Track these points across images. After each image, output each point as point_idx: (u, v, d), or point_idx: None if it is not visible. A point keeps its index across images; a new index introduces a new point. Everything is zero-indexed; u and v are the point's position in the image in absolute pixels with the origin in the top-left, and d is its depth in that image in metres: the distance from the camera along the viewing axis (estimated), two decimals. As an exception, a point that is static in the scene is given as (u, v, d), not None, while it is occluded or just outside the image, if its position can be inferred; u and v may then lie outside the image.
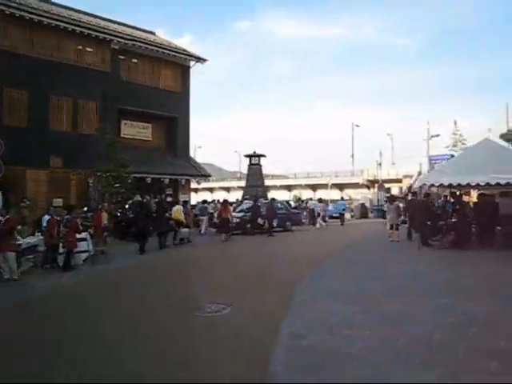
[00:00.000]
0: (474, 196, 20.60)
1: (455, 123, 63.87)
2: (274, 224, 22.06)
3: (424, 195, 15.59)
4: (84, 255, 12.79)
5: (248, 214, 22.44)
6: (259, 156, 33.20)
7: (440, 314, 6.49)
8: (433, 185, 14.20)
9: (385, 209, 38.24)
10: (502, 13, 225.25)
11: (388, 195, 45.82)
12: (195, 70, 29.11)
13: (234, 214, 22.75)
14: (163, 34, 30.39)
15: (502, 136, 49.82)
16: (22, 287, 9.72)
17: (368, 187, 61.95)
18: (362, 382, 4.30)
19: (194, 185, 32.40)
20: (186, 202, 21.77)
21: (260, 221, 21.96)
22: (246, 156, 34.23)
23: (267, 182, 68.08)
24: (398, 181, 53.66)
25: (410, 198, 24.11)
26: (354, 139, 68.59)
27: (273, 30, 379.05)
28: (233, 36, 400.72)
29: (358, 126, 68.61)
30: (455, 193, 16.23)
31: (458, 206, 15.59)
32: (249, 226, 21.77)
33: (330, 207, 36.17)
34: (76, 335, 6.03)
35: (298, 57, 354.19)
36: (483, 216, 15.25)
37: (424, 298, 7.45)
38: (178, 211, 18.15)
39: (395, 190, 50.91)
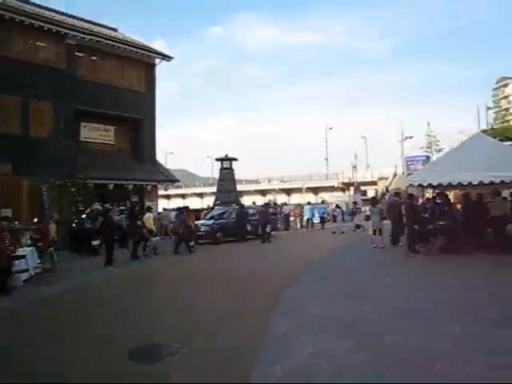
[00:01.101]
0: (456, 196, 19.46)
1: (428, 125, 64.04)
2: (268, 229, 20.88)
3: (408, 196, 14.20)
4: (25, 275, 10.91)
5: (219, 221, 20.82)
6: (231, 160, 31.50)
7: (468, 347, 4.98)
8: (421, 184, 12.84)
9: (368, 212, 37.53)
10: (473, 19, 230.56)
11: (364, 198, 45.00)
12: (162, 70, 27.48)
13: (203, 221, 21.22)
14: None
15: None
16: None
17: (343, 190, 61.04)
18: None
19: (165, 191, 30.67)
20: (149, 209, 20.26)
21: (248, 227, 21.05)
22: (218, 160, 32.51)
23: (240, 187, 66.62)
24: (374, 183, 52.91)
25: (387, 199, 23.03)
26: (329, 143, 67.95)
27: (245, 35, 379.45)
28: (205, 41, 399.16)
29: (331, 128, 67.96)
30: (443, 193, 14.92)
31: (446, 208, 14.31)
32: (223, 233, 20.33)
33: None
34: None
35: (270, 62, 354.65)
36: (472, 218, 14.06)
37: (431, 324, 5.95)
38: (148, 219, 16.89)
39: (371, 192, 50.15)
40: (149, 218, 17.05)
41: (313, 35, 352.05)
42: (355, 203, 31.13)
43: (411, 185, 13.14)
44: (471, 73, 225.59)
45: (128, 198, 24.47)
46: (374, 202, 17.01)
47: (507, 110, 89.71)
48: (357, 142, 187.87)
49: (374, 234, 16.23)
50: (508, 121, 72.64)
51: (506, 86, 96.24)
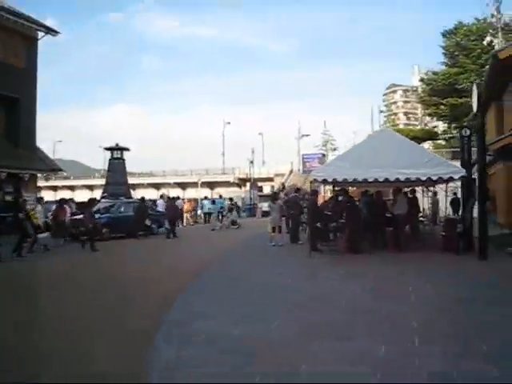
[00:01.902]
0: (355, 193, 19.28)
1: (325, 124, 66.05)
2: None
3: (311, 193, 13.42)
4: None
5: (105, 215, 18.65)
6: (122, 149, 28.96)
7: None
8: (325, 180, 12.08)
9: (264, 209, 36.99)
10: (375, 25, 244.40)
11: (261, 194, 44.63)
12: (50, 52, 24.23)
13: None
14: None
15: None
16: None
17: (239, 186, 60.57)
18: None
19: (45, 182, 27.31)
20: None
21: (148, 222, 19.91)
22: (107, 149, 29.78)
23: (133, 180, 63.61)
24: (270, 179, 52.92)
25: (283, 196, 22.35)
26: (226, 138, 66.97)
27: (146, 25, 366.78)
28: (102, 27, 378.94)
29: (229, 123, 67.04)
30: (345, 190, 14.39)
31: (348, 205, 13.75)
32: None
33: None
34: None
35: (171, 54, 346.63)
36: (373, 216, 13.71)
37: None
38: (36, 213, 15.53)
39: (267, 188, 50.04)
40: (38, 211, 15.72)
41: (214, 30, 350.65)
42: (231, 199, 30.36)
43: (315, 180, 12.31)
44: (367, 78, 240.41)
45: (1, 188, 21.17)
46: (274, 197, 16.04)
47: (396, 114, 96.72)
48: (254, 138, 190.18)
49: (274, 231, 15.34)
50: (397, 124, 78.35)
51: (395, 92, 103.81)
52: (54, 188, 73.28)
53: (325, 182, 12.52)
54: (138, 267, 11.48)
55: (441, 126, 53.17)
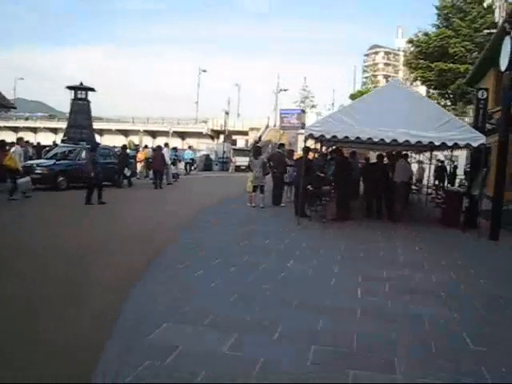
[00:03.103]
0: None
1: (305, 79, 63.86)
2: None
3: (304, 150, 11.57)
4: None
5: (62, 161, 16.41)
6: (86, 89, 26.06)
7: None
8: (323, 136, 10.23)
9: (238, 163, 34.95)
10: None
11: (235, 147, 42.48)
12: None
13: (40, 161, 16.77)
14: None
15: (352, 96, 50.39)
16: None
17: (212, 137, 58.22)
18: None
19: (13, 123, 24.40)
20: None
21: (127, 172, 18.81)
22: (70, 88, 26.63)
23: (100, 125, 60.30)
24: (245, 133, 50.73)
25: (269, 151, 20.47)
26: (200, 87, 63.75)
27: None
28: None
29: (204, 71, 63.58)
30: (340, 150, 12.65)
31: (340, 166, 12.06)
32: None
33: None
34: None
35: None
36: (370, 182, 12.16)
37: None
38: (14, 155, 13.68)
39: (241, 142, 47.91)
40: (15, 152, 14.04)
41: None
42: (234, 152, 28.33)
43: (311, 136, 10.45)
44: (347, 37, 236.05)
45: None
46: (256, 151, 14.10)
47: (375, 76, 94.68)
48: (229, 89, 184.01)
49: (254, 191, 13.58)
50: (377, 86, 76.40)
51: (376, 53, 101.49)
52: (15, 129, 69.04)
53: (321, 138, 10.65)
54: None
55: (423, 91, 51.72)
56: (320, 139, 11.28)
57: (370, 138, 10.02)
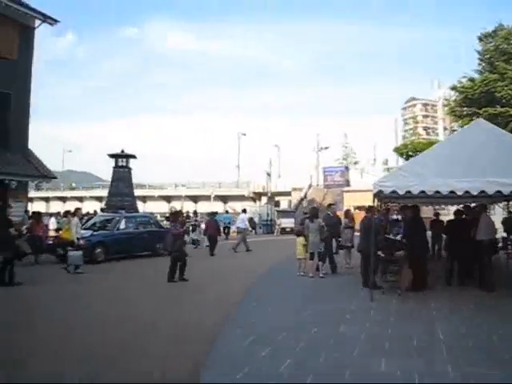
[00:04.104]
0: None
1: (345, 136, 62.49)
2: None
3: (367, 209, 9.95)
4: None
5: (100, 232, 15.35)
6: (128, 157, 25.61)
7: None
8: (395, 191, 8.63)
9: (284, 225, 33.35)
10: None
11: (278, 209, 41.05)
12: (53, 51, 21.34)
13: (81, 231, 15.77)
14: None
15: (397, 149, 48.68)
16: None
17: (254, 200, 57.19)
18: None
19: (36, 190, 24.17)
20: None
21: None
22: (111, 156, 26.33)
23: (143, 193, 60.65)
24: (287, 193, 49.40)
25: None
26: (240, 150, 63.78)
27: (158, 39, 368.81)
28: (118, 41, 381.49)
29: (244, 134, 63.74)
30: (413, 206, 10.92)
31: (417, 225, 10.29)
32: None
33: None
34: None
35: (183, 68, 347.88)
36: (455, 242, 10.32)
37: None
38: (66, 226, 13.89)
39: (284, 203, 46.48)
40: (72, 224, 13.56)
41: (226, 45, 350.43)
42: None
43: (380, 192, 8.84)
44: (384, 93, 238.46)
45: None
46: (313, 214, 12.51)
47: (415, 128, 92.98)
48: (269, 151, 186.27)
49: (312, 258, 11.93)
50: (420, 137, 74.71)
51: (414, 106, 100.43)
52: (63, 199, 70.75)
53: (394, 193, 8.99)
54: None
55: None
56: (380, 195, 9.60)
57: (452, 192, 8.35)
